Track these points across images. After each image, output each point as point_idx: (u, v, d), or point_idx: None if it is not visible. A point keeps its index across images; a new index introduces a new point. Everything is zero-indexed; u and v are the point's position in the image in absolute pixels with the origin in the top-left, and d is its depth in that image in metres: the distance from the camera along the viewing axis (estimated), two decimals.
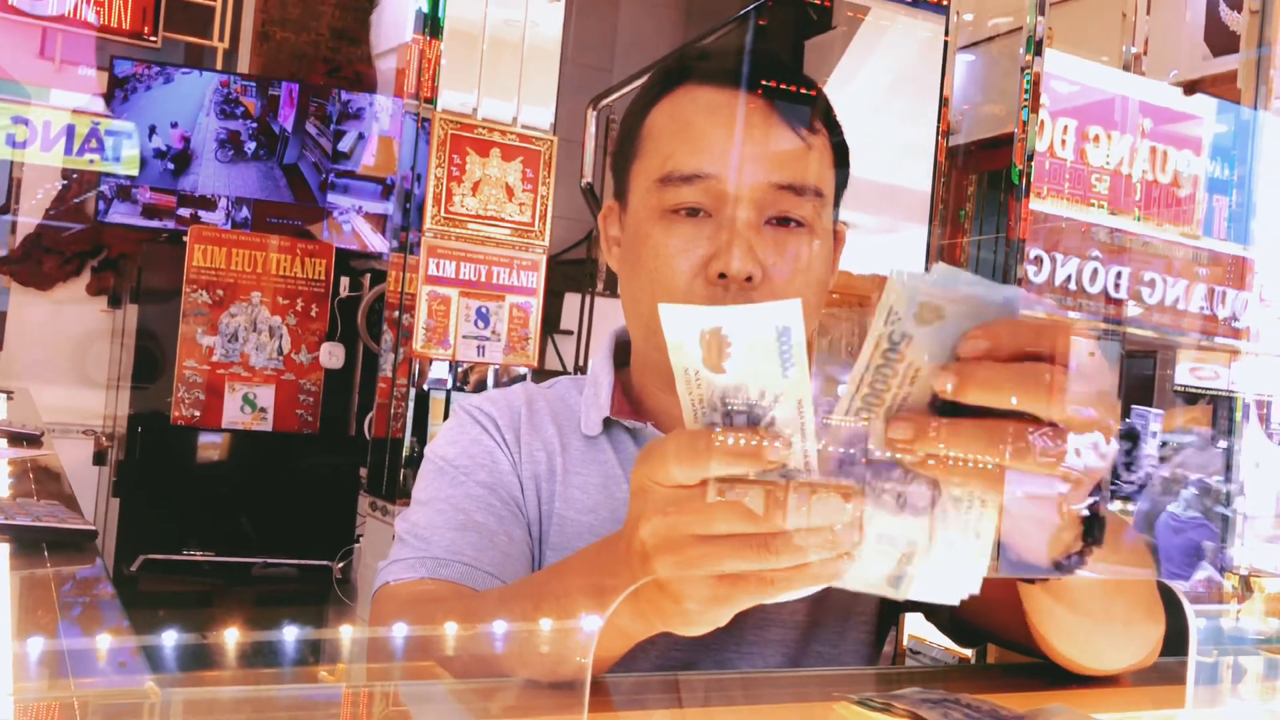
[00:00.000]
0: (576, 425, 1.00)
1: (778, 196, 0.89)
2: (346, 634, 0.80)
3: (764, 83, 0.92)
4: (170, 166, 3.72)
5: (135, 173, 3.68)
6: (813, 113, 0.94)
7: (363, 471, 3.22)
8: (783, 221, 0.90)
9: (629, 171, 0.97)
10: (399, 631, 0.82)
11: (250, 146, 3.76)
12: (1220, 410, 3.00)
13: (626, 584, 0.70)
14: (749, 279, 0.87)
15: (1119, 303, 2.91)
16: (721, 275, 0.88)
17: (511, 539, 0.93)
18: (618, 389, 1.01)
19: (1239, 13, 2.58)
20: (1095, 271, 2.91)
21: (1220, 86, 2.68)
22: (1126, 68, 2.45)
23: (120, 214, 3.67)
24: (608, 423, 0.99)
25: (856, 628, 0.99)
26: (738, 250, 0.87)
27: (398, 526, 0.97)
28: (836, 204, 0.97)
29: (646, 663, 0.90)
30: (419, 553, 0.91)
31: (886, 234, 3.13)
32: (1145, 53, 2.48)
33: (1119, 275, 2.94)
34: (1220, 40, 2.86)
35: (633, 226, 0.95)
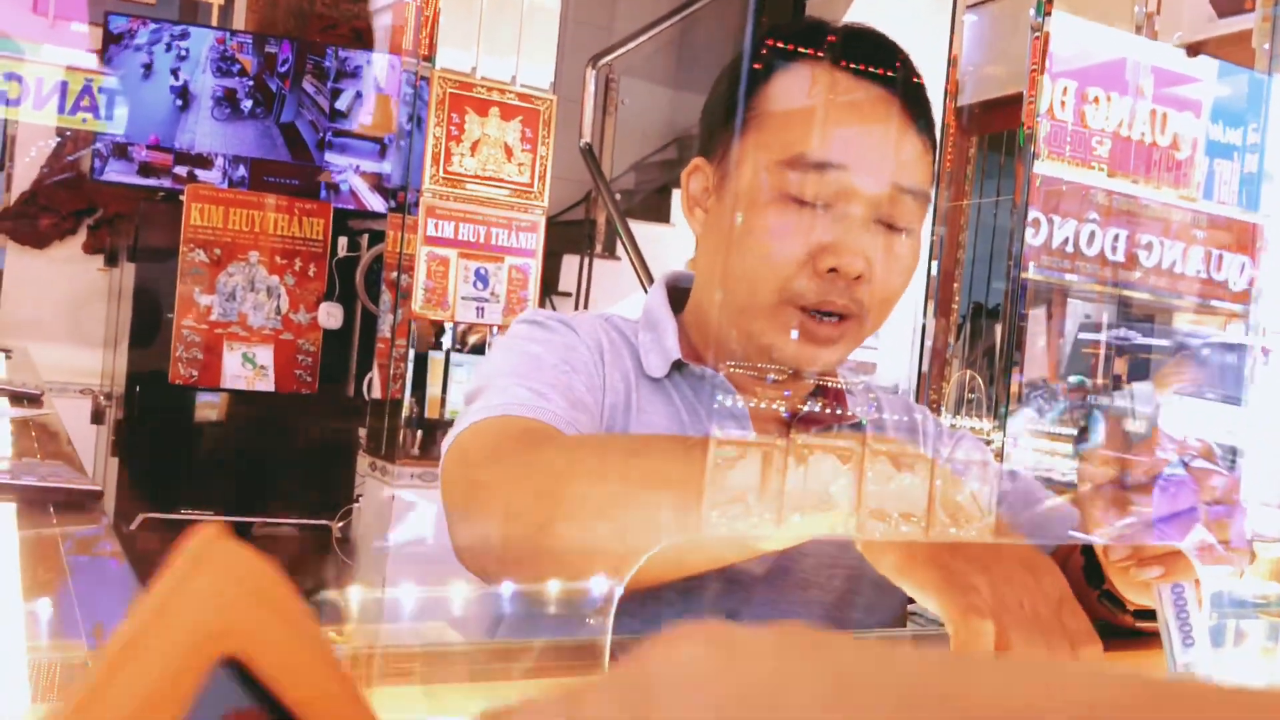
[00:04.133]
0: (639, 363, 1.00)
1: (896, 198, 0.91)
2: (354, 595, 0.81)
3: (895, 79, 0.93)
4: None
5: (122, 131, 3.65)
6: (928, 116, 0.96)
7: (362, 432, 3.23)
8: (891, 224, 0.92)
9: (735, 138, 0.95)
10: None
11: (247, 104, 3.73)
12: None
13: None
14: (858, 277, 0.90)
15: (1116, 265, 2.90)
16: (832, 269, 0.89)
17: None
18: (681, 334, 1.02)
19: None
20: (1093, 234, 2.91)
21: (1225, 49, 2.66)
22: (1139, 29, 2.43)
23: (116, 172, 3.65)
24: (674, 366, 0.99)
25: (889, 598, 1.01)
26: (853, 248, 0.89)
27: (481, 384, 0.94)
28: None
29: (694, 613, 0.92)
30: (537, 404, 0.88)
31: None
32: (1159, 11, 2.46)
33: (1116, 238, 2.93)
34: (1225, 1, 2.83)
35: (738, 199, 0.94)
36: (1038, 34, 1.91)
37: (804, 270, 0.90)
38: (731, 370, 1.00)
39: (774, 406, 1.00)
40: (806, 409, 1.02)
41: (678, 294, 1.07)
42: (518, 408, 0.87)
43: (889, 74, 0.93)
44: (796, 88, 0.93)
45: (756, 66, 0.96)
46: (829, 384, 1.04)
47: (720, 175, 0.98)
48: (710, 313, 1.01)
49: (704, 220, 1.01)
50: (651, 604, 0.90)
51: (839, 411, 1.03)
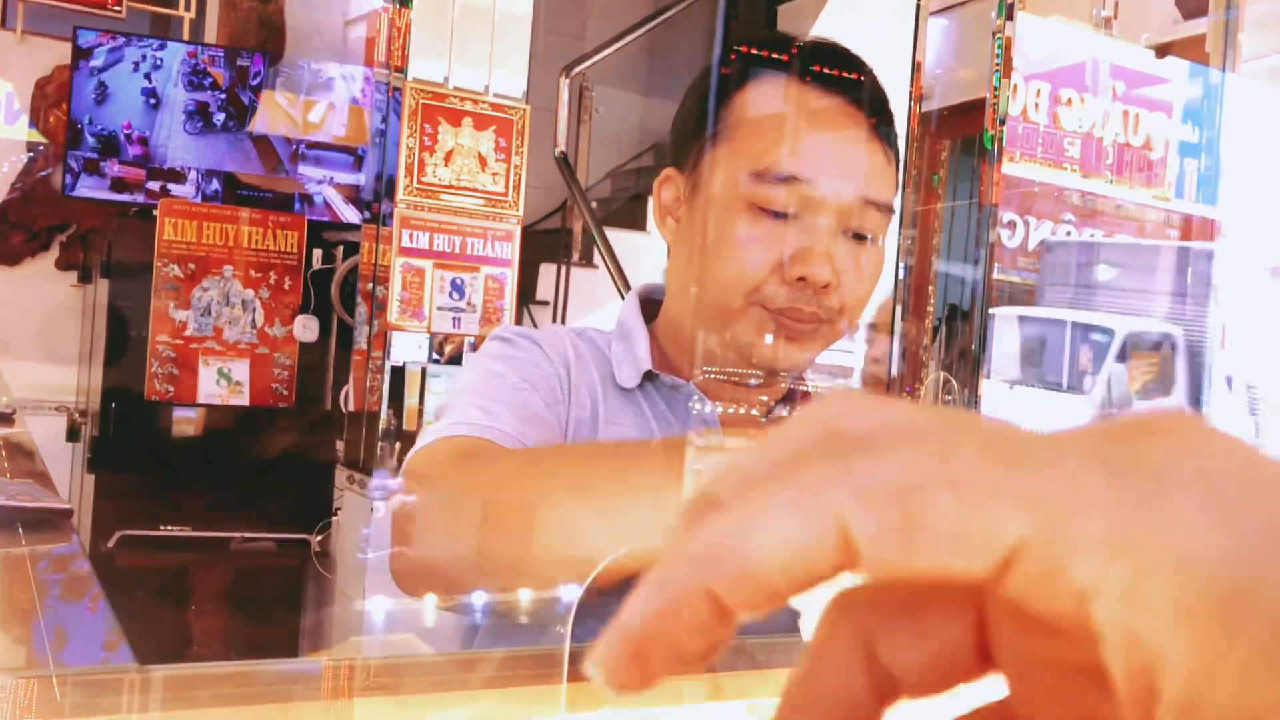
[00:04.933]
0: (611, 376, 1.02)
1: (862, 210, 0.94)
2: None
3: (861, 92, 0.96)
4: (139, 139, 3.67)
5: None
6: (892, 129, 0.99)
7: (339, 445, 3.22)
8: (857, 234, 0.95)
9: (706, 150, 0.98)
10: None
11: (219, 118, 3.72)
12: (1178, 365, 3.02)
13: None
14: (826, 285, 0.93)
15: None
16: (801, 278, 0.92)
17: None
18: (653, 345, 1.03)
19: None
20: (1068, 235, 2.93)
21: (1192, 50, 2.69)
22: (1097, 30, 2.45)
23: (88, 188, 3.62)
24: (645, 377, 1.01)
25: None
26: (821, 257, 0.92)
27: (447, 401, 0.96)
28: None
29: None
30: (485, 422, 0.89)
31: None
32: (1116, 16, 2.48)
33: (1091, 239, 2.95)
34: (1190, 2, 2.86)
35: (708, 210, 0.97)
36: (999, 36, 1.92)
37: (773, 278, 0.93)
38: (703, 378, 1.01)
39: (746, 412, 1.01)
40: (778, 413, 1.04)
41: (651, 305, 1.09)
42: (465, 427, 0.89)
43: (855, 87, 0.96)
44: (766, 100, 0.96)
45: (726, 77, 0.98)
46: (800, 388, 1.05)
47: (691, 185, 1.00)
48: (682, 320, 1.03)
49: (675, 229, 1.03)
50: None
51: None
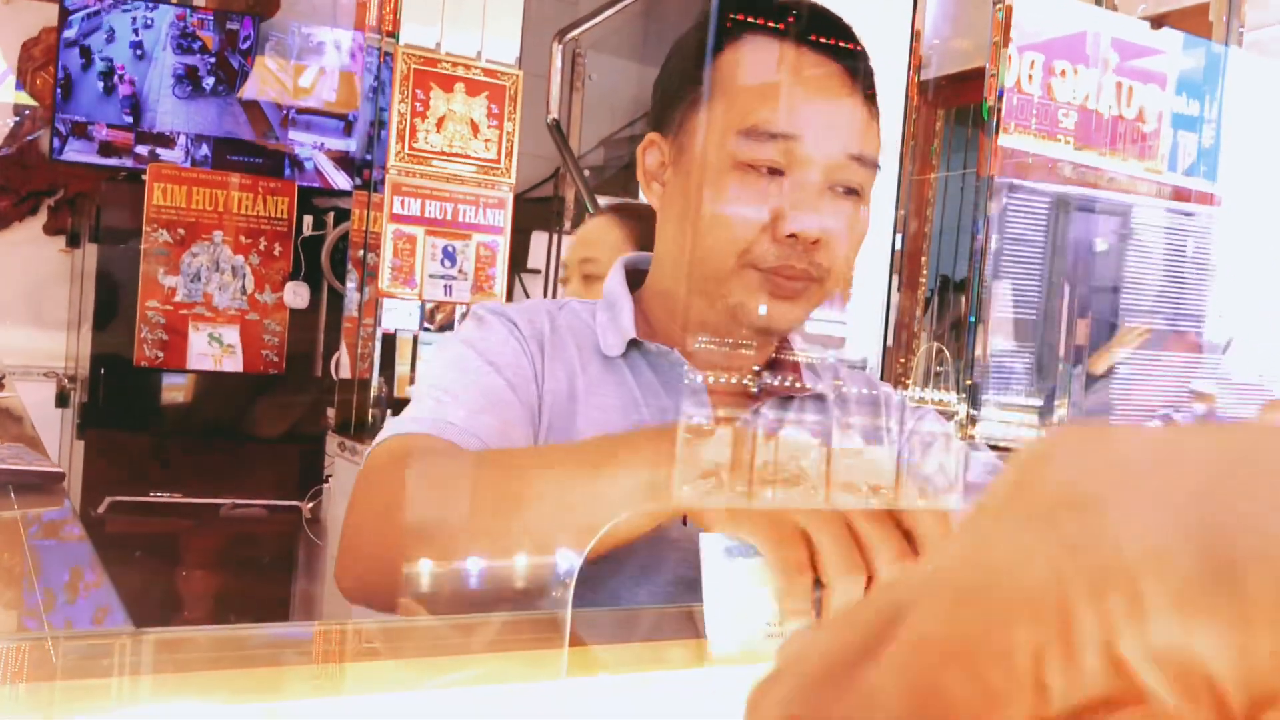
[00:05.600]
0: (594, 347, 1.01)
1: (848, 166, 0.95)
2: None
3: (840, 50, 0.96)
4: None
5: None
6: (873, 86, 0.99)
7: (330, 412, 3.21)
8: (846, 188, 0.96)
9: (690, 112, 0.98)
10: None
11: (209, 82, 3.68)
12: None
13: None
14: (816, 241, 0.93)
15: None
16: (791, 235, 0.92)
17: (525, 440, 0.95)
18: (638, 313, 1.03)
19: None
20: None
21: (1187, 21, 2.68)
22: (1098, 1, 2.44)
23: (76, 151, 3.59)
24: (631, 345, 1.01)
25: None
26: (811, 214, 0.93)
27: (412, 393, 0.98)
28: None
29: (662, 575, 0.93)
30: (435, 415, 0.91)
31: None
32: None
33: None
34: None
35: (695, 171, 0.97)
36: (999, 6, 1.91)
37: (764, 236, 0.93)
38: (690, 346, 1.01)
39: (734, 381, 1.01)
40: (766, 382, 1.04)
41: (637, 275, 1.09)
42: (415, 423, 0.90)
43: (834, 45, 0.96)
44: (748, 60, 0.96)
45: (706, 39, 0.98)
46: (788, 358, 1.05)
47: (676, 148, 1.00)
48: (671, 284, 1.03)
49: (661, 194, 1.03)
50: (612, 578, 0.90)
51: (800, 385, 1.05)
